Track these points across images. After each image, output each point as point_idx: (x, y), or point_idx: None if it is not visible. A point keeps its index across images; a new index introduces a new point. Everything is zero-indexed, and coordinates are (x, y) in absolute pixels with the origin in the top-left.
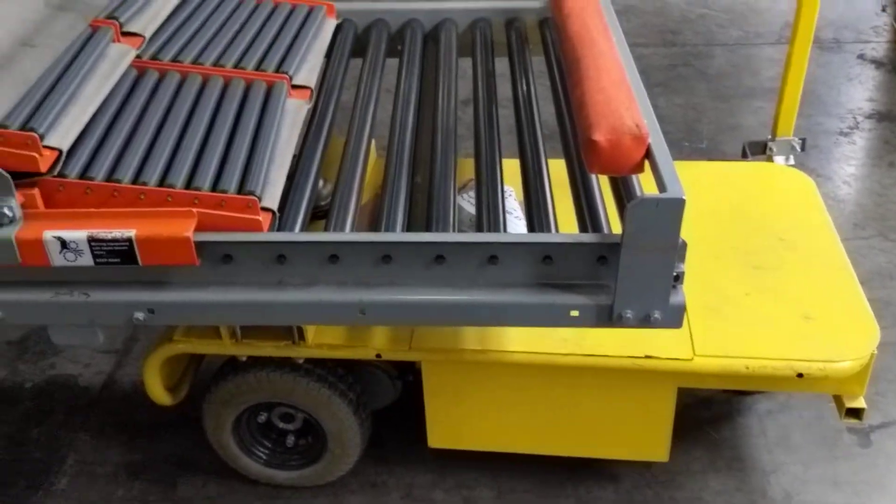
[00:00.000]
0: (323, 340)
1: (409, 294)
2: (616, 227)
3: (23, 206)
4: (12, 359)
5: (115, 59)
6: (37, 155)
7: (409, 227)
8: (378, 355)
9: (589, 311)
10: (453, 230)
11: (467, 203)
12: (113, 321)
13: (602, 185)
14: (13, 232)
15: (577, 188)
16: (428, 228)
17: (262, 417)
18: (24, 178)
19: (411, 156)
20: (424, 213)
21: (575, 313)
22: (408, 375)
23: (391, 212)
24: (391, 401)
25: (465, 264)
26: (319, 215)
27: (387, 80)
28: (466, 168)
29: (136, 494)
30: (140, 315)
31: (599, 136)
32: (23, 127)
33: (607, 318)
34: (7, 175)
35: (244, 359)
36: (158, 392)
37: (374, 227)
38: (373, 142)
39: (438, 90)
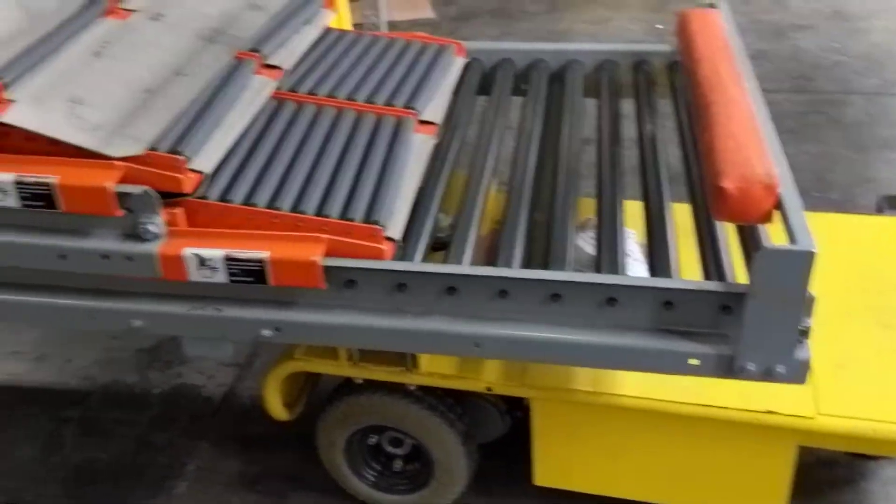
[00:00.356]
0: (435, 369)
1: (524, 330)
2: (741, 277)
3: (167, 223)
4: (143, 366)
5: (257, 90)
6: (183, 177)
7: (526, 263)
8: (489, 388)
9: (709, 361)
10: (571, 269)
11: (586, 243)
12: (242, 336)
13: (728, 233)
14: (157, 247)
15: (702, 234)
16: (546, 266)
17: (373, 440)
18: (169, 197)
19: (532, 193)
20: (543, 250)
21: (694, 362)
22: (517, 411)
23: (509, 247)
24: (499, 435)
25: (582, 304)
26: (437, 247)
27: (511, 118)
28: (586, 207)
29: None
30: (267, 332)
31: (728, 184)
32: (171, 150)
33: (728, 368)
34: (156, 194)
35: (359, 381)
36: (276, 407)
37: (491, 260)
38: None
39: (562, 129)
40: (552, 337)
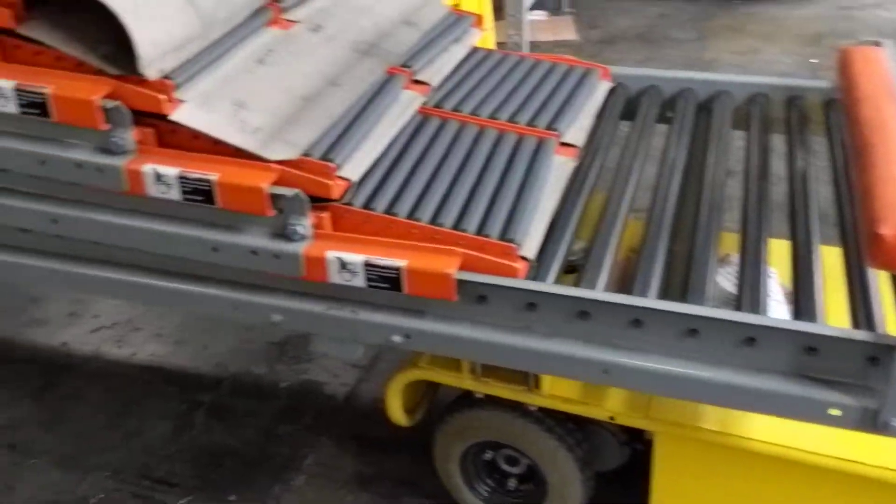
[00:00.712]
0: (558, 392)
1: (655, 362)
2: (893, 328)
3: (313, 226)
4: (273, 359)
5: (405, 104)
6: (332, 183)
7: (663, 294)
8: (611, 418)
9: (851, 413)
10: (710, 304)
11: (724, 279)
12: (373, 340)
13: (881, 281)
14: (302, 248)
15: (853, 280)
16: (683, 299)
17: (488, 456)
18: (317, 201)
19: (672, 222)
20: (681, 282)
21: (835, 412)
22: (637, 443)
23: (646, 276)
24: (617, 465)
25: (719, 341)
26: (568, 269)
27: (654, 146)
28: (726, 242)
29: None
30: (397, 338)
31: (886, 230)
32: (323, 157)
33: (871, 423)
34: (306, 198)
35: (480, 396)
36: (397, 412)
37: (623, 288)
38: None
39: (707, 159)
40: (685, 372)
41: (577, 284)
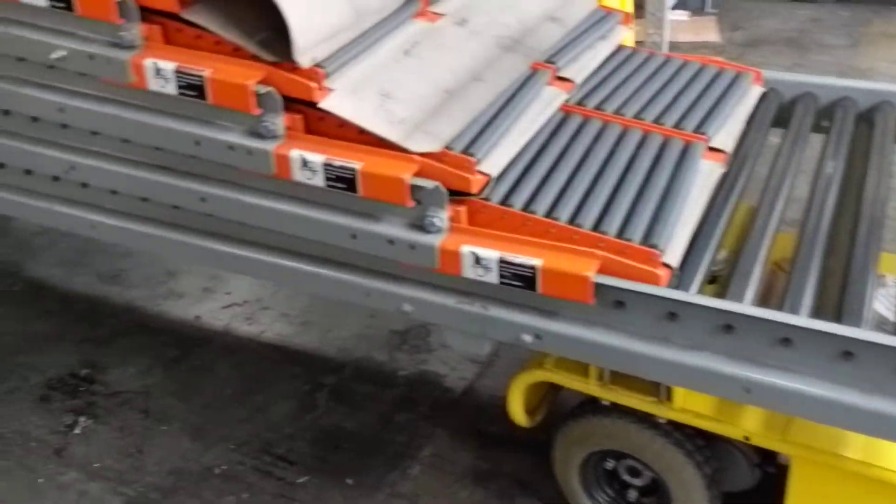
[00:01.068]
0: (691, 406)
1: (803, 384)
2: None
3: (450, 219)
4: (392, 347)
5: (548, 101)
6: (471, 177)
7: (816, 313)
8: (746, 438)
9: None
10: (868, 327)
11: (879, 302)
12: (501, 337)
13: None
14: (438, 240)
15: None
16: (838, 319)
17: (610, 465)
18: (455, 195)
19: (827, 238)
20: (835, 301)
21: None
22: (770, 465)
23: (798, 293)
24: (746, 487)
25: (876, 368)
26: (709, 280)
27: (807, 156)
28: (885, 264)
29: (477, 501)
30: (527, 337)
31: None
32: (464, 151)
33: None
34: (445, 191)
35: (606, 403)
36: (518, 411)
37: (767, 302)
38: None
39: (867, 173)
40: (835, 397)
41: (720, 296)
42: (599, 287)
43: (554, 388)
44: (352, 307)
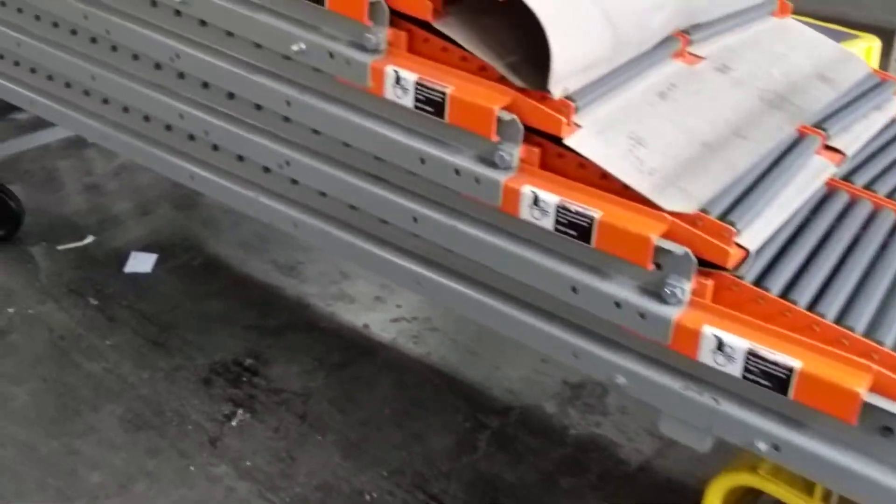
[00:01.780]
0: None
1: None
2: None
3: (692, 292)
4: (564, 399)
5: (815, 172)
6: (729, 249)
7: None
8: None
9: None
10: None
11: None
12: (731, 437)
13: None
14: (674, 314)
15: None
16: None
17: None
18: (702, 265)
19: None
20: None
21: None
22: None
23: None
24: None
25: None
26: None
27: None
28: None
29: None
30: (762, 445)
31: None
32: (722, 217)
33: None
34: (695, 260)
35: None
36: None
37: None
38: None
39: None
40: None
41: None
42: (867, 407)
43: (755, 493)
44: (524, 345)
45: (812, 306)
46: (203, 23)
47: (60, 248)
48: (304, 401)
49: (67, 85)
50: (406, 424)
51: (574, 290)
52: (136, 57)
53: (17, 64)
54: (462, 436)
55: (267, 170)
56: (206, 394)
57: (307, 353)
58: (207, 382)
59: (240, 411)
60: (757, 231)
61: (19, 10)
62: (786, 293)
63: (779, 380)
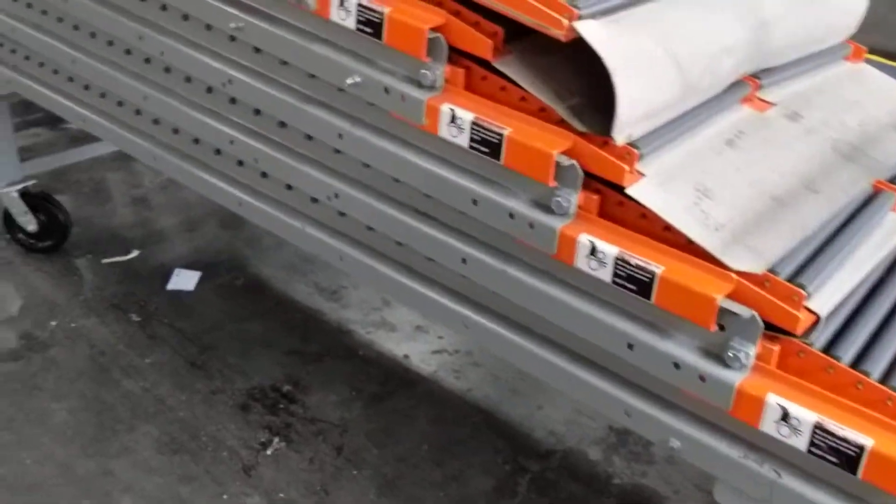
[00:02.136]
0: None
1: None
2: None
3: (757, 357)
4: (609, 446)
5: (890, 230)
6: (798, 314)
7: None
8: None
9: None
10: None
11: None
12: None
13: None
14: (737, 379)
15: None
16: None
17: None
18: (768, 329)
19: None
20: None
21: None
22: None
23: None
24: None
25: None
26: None
27: None
28: None
29: None
30: None
31: None
32: (791, 279)
33: None
34: (762, 324)
35: None
36: None
37: None
38: None
39: None
40: None
41: None
42: None
43: None
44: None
45: (885, 378)
46: (257, 50)
47: (105, 261)
48: (341, 433)
49: (119, 104)
50: (445, 463)
51: (630, 346)
52: (188, 80)
53: (70, 80)
54: (501, 479)
55: (315, 200)
56: (243, 420)
57: (346, 381)
58: (245, 408)
59: (276, 440)
60: (828, 295)
61: (75, 28)
62: (857, 363)
63: (848, 457)
